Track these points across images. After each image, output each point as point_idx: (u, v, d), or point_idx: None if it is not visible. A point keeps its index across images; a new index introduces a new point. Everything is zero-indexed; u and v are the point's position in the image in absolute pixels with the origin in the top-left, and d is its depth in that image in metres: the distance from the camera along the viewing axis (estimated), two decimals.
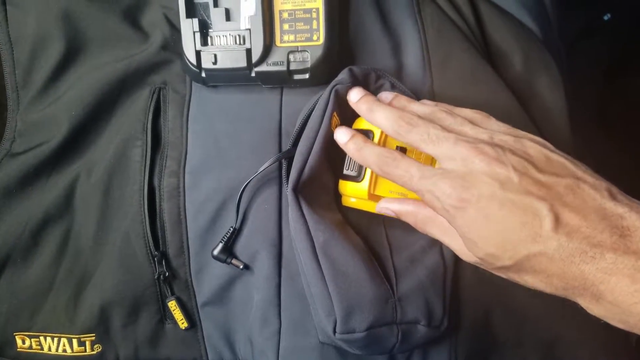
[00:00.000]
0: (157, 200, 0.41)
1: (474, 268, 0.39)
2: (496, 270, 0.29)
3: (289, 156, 0.38)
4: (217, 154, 0.41)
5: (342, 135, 0.35)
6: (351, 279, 0.35)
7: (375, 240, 0.39)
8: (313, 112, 0.38)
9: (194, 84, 0.42)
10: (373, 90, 0.40)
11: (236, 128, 0.41)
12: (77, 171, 0.42)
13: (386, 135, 0.36)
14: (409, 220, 0.34)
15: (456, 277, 0.38)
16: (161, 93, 0.43)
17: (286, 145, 0.40)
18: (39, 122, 0.42)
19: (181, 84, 0.43)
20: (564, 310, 0.39)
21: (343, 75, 0.38)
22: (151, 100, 0.42)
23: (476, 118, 0.33)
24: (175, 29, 0.43)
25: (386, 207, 0.35)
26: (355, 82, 0.39)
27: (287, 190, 0.36)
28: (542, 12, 0.46)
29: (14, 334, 0.42)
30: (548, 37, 0.46)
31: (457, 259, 0.38)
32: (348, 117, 0.39)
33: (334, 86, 0.37)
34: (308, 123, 0.38)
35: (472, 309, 0.39)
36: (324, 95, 0.38)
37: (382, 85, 0.40)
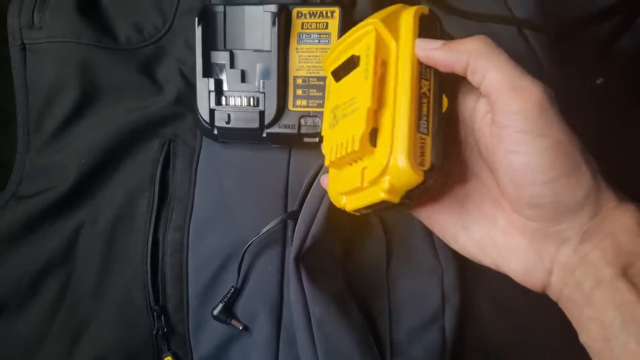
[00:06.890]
0: (160, 253, 0.41)
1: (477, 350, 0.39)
2: None
3: (295, 217, 0.38)
4: (223, 210, 0.41)
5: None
6: (344, 357, 0.35)
7: (376, 308, 0.39)
8: (318, 177, 0.38)
9: (204, 138, 0.43)
10: None
11: (243, 185, 0.42)
12: (82, 219, 0.42)
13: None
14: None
15: (458, 357, 0.38)
16: (171, 145, 0.43)
17: (292, 205, 0.40)
18: (48, 167, 0.42)
19: (191, 137, 0.43)
20: None
21: None
22: (161, 152, 0.43)
23: None
24: (189, 84, 0.43)
25: None
26: None
27: (290, 257, 0.36)
28: (536, 69, 0.46)
29: None
30: None
31: (458, 339, 0.38)
32: None
33: None
34: (312, 189, 0.38)
35: None
36: None
37: None
